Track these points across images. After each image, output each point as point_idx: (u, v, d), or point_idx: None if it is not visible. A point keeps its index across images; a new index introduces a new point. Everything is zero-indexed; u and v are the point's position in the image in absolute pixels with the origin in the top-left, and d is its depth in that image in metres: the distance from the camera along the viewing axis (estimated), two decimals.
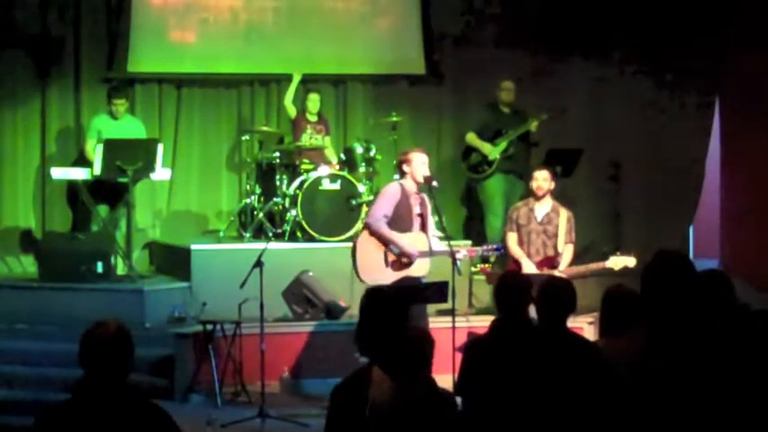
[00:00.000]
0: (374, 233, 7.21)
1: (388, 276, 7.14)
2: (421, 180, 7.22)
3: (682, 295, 3.41)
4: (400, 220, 7.22)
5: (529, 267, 7.94)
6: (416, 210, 7.26)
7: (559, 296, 4.62)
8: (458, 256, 7.19)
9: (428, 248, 7.18)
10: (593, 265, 7.88)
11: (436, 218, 7.47)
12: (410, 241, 7.18)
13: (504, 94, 9.65)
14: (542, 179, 8.10)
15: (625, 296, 4.54)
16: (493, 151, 9.51)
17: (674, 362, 3.38)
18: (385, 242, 7.19)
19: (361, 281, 7.16)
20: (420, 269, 7.21)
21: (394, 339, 3.86)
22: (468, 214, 10.62)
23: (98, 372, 3.47)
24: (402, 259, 7.19)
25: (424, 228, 7.28)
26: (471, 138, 9.64)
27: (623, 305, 4.51)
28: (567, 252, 8.05)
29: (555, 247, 8.03)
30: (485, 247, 7.63)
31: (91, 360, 3.48)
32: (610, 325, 4.59)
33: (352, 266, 7.31)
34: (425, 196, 7.36)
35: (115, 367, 3.47)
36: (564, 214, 8.09)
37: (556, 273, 7.70)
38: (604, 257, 7.86)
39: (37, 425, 3.52)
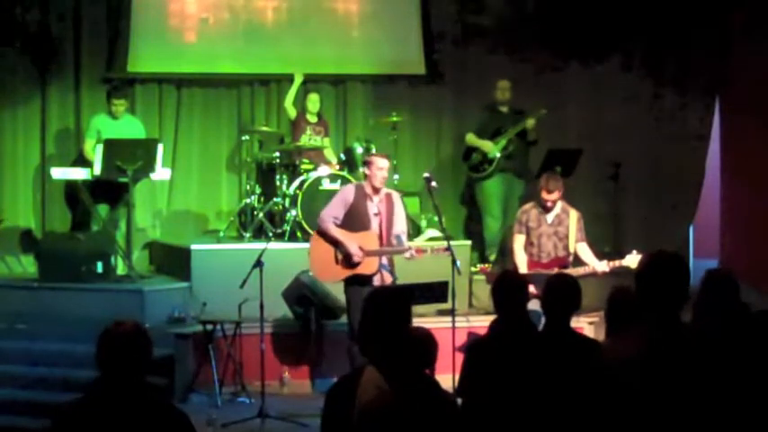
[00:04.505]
0: (322, 233, 7.33)
1: (338, 273, 7.28)
2: (376, 185, 7.31)
3: (677, 296, 3.42)
4: (354, 219, 7.32)
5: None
6: (373, 210, 7.32)
7: (566, 293, 4.61)
8: (405, 255, 7.22)
9: (377, 248, 7.24)
10: (619, 262, 7.66)
11: (435, 218, 7.44)
12: (358, 241, 7.23)
13: (501, 93, 9.63)
14: (554, 199, 7.91)
15: (629, 297, 4.53)
16: (493, 149, 9.49)
17: (673, 362, 3.38)
18: (333, 241, 7.26)
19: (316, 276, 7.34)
20: (369, 267, 7.26)
21: (393, 340, 3.83)
22: (468, 214, 10.60)
23: (116, 371, 3.42)
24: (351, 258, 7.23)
25: (384, 226, 7.29)
26: (471, 138, 9.64)
27: (627, 306, 4.51)
28: (585, 250, 7.86)
29: (566, 248, 7.89)
30: (435, 248, 7.50)
31: (109, 359, 3.43)
32: (614, 326, 4.60)
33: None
34: (394, 196, 7.42)
35: (133, 366, 3.43)
36: (574, 214, 7.93)
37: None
38: (608, 257, 7.79)
39: (55, 425, 3.48)
